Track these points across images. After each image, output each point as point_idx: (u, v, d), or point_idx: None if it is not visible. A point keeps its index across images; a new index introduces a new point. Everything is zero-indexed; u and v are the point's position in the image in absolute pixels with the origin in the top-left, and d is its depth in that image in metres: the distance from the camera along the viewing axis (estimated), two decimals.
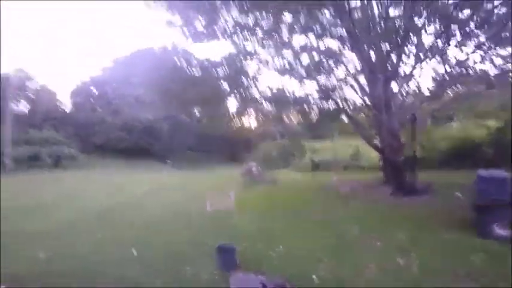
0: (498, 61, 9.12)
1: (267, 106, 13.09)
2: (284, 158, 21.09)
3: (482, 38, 8.78)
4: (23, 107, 31.44)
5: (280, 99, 11.84)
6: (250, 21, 9.59)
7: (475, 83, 9.89)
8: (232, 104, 13.63)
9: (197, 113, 27.03)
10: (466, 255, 4.24)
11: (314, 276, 3.76)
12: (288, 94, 11.77)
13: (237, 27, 9.80)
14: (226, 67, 10.63)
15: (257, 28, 9.97)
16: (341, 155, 17.34)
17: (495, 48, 8.82)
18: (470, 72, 9.37)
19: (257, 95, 12.16)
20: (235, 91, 11.79)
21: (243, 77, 11.32)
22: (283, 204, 9.15)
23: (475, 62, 9.27)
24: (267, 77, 12.22)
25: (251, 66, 11.26)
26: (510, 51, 8.77)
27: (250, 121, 14.96)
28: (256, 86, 11.93)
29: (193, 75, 10.75)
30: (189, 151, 32.33)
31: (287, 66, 11.14)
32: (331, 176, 13.33)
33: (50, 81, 49.58)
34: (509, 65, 9.09)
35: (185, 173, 21.85)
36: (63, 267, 4.52)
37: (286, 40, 10.59)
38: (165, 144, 31.06)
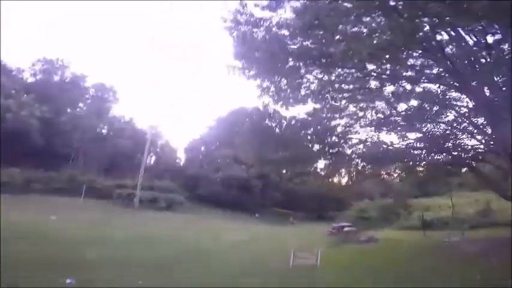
0: None
1: (362, 163, 12.16)
2: (385, 217, 18.41)
3: None
4: (151, 159, 40.01)
5: (376, 155, 10.79)
6: (334, 77, 9.51)
7: None
8: (322, 162, 13.43)
9: (287, 172, 28.19)
10: None
11: None
12: (386, 149, 10.75)
13: (322, 87, 9.74)
14: (313, 126, 10.69)
15: (343, 84, 9.71)
16: (464, 212, 14.21)
17: None
18: None
19: (349, 153, 11.60)
20: (324, 149, 11.61)
21: (332, 135, 11.15)
22: (381, 265, 7.88)
23: None
24: (360, 133, 11.30)
25: (341, 123, 10.95)
26: None
27: (341, 179, 14.27)
28: (346, 143, 11.42)
29: (283, 136, 11.04)
30: (277, 208, 33.17)
31: (382, 118, 10.37)
32: (449, 235, 10.86)
33: (172, 137, 61.45)
34: None
35: (271, 227, 21.91)
36: None
37: (376, 90, 9.95)
38: (256, 200, 33.46)
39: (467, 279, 5.72)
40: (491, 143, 9.28)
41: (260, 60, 8.28)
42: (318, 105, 10.42)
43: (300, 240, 13.85)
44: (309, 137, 11.02)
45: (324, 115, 10.69)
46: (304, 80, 9.50)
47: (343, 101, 10.17)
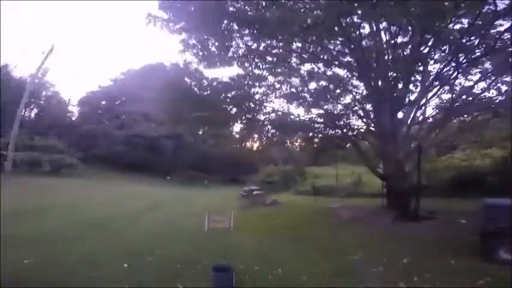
0: (504, 88, 9.11)
1: (272, 130, 13.09)
2: (285, 182, 20.96)
3: (488, 65, 8.88)
4: (33, 112, 32.30)
5: (285, 125, 11.77)
6: (262, 47, 9.75)
7: (481, 112, 9.75)
8: (237, 126, 13.86)
9: (202, 133, 27.44)
10: (474, 280, 4.13)
11: None
12: (293, 120, 11.80)
13: (249, 53, 9.91)
14: (235, 90, 10.81)
15: (268, 56, 10.11)
16: (343, 182, 17.14)
17: (501, 76, 8.85)
18: (476, 101, 9.37)
19: (263, 119, 12.28)
20: (241, 114, 11.93)
21: (251, 101, 11.50)
22: (284, 227, 8.87)
23: (482, 91, 9.33)
24: (274, 103, 12.31)
25: (259, 91, 11.49)
26: None
27: (253, 144, 15.06)
28: (262, 111, 12.07)
29: (203, 96, 10.91)
30: (191, 170, 32.54)
31: (294, 92, 11.30)
32: (333, 201, 13.06)
33: (62, 89, 51.20)
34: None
35: (185, 191, 21.79)
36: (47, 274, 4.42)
37: (296, 67, 10.82)
38: (167, 162, 31.43)
39: (341, 238, 7.13)
40: (372, 125, 11.34)
41: (191, 14, 7.57)
42: (241, 71, 10.57)
43: (215, 203, 14.31)
44: (228, 100, 11.15)
45: (246, 82, 10.84)
46: (234, 43, 9.32)
47: (265, 72, 10.60)
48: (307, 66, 10.96)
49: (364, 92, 10.85)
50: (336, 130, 12.36)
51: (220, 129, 14.05)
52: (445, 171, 13.70)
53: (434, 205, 9.76)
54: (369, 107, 11.16)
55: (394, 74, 8.35)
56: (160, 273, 4.69)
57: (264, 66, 10.50)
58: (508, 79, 9.00)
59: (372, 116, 11.16)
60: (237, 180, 29.22)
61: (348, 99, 11.81)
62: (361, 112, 11.52)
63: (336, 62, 10.11)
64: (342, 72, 10.79)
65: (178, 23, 8.04)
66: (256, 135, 14.27)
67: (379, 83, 9.38)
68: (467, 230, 6.66)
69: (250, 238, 7.37)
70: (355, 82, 11.03)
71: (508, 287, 3.96)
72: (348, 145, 14.66)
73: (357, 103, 11.52)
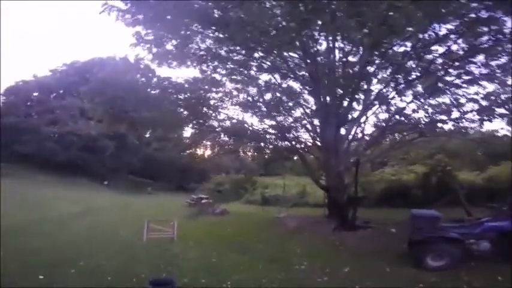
0: (430, 110, 10.38)
1: (225, 138, 12.96)
2: (236, 191, 20.89)
3: (419, 88, 10.00)
4: None
5: (239, 133, 11.82)
6: (223, 52, 9.46)
7: (409, 131, 11.03)
8: (188, 131, 13.32)
9: (148, 136, 25.44)
10: (405, 284, 4.49)
11: None
12: (247, 129, 11.91)
13: (208, 56, 9.55)
14: (188, 93, 10.37)
15: (228, 61, 9.87)
16: (290, 192, 17.83)
17: (429, 98, 10.04)
18: (406, 121, 10.52)
19: (216, 126, 12.04)
20: (193, 119, 11.51)
21: (205, 106, 11.17)
22: (232, 237, 8.76)
23: (413, 112, 10.41)
24: (229, 110, 12.22)
25: (215, 97, 11.25)
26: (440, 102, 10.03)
27: (204, 151, 14.62)
28: (216, 117, 11.84)
29: (150, 95, 10.21)
30: (133, 175, 29.85)
31: (251, 101, 11.32)
32: (280, 210, 13.41)
33: None
34: (437, 115, 10.33)
35: (124, 197, 19.95)
36: None
37: (255, 76, 10.84)
38: (106, 165, 28.18)
39: (288, 249, 7.27)
40: (318, 139, 11.94)
41: (151, 7, 7.16)
42: (198, 74, 10.29)
43: (157, 212, 13.35)
44: (180, 102, 10.65)
45: (202, 85, 10.56)
46: (194, 44, 9.00)
47: (224, 77, 10.48)
48: (265, 77, 11.15)
49: (314, 107, 11.45)
50: (286, 142, 12.69)
51: (168, 133, 13.36)
52: (377, 184, 15.24)
53: (368, 215, 10.72)
54: (316, 121, 11.74)
55: (341, 91, 8.99)
56: None
57: (223, 72, 10.30)
58: (433, 102, 10.29)
59: (318, 130, 11.73)
60: (184, 188, 27.84)
61: (298, 112, 12.31)
62: (309, 126, 12.07)
63: (292, 75, 10.40)
64: (296, 85, 11.22)
65: (135, 15, 7.49)
66: (208, 142, 13.97)
67: (328, 98, 9.98)
68: (397, 239, 7.45)
69: (195, 249, 7.03)
70: (306, 96, 11.60)
71: None
72: (295, 157, 15.27)
73: (306, 117, 12.03)
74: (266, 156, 15.80)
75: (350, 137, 11.29)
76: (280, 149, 13.49)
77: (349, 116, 10.57)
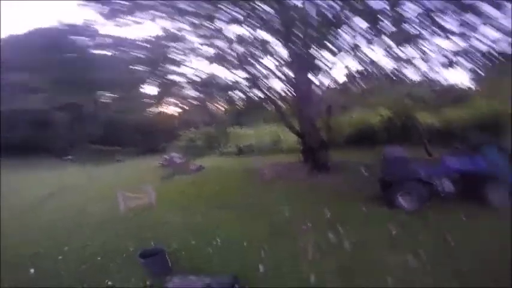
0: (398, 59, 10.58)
1: (192, 93, 12.51)
2: (209, 145, 20.61)
3: (388, 39, 10.14)
4: None
5: (208, 86, 11.42)
6: (186, 5, 8.55)
7: (377, 78, 11.60)
8: (150, 90, 12.32)
9: (105, 100, 23.03)
10: (382, 225, 4.87)
11: (261, 269, 3.67)
12: (217, 82, 11.46)
13: (167, 13, 8.64)
14: (146, 51, 9.32)
15: (192, 15, 8.98)
16: (264, 141, 18.02)
17: (397, 48, 10.10)
18: (375, 69, 10.95)
19: (181, 81, 11.39)
20: (154, 76, 10.65)
21: (166, 62, 10.25)
22: (212, 193, 8.75)
23: (382, 60, 10.58)
24: (196, 64, 11.28)
25: (177, 52, 10.33)
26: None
27: (172, 108, 13.72)
28: (181, 72, 11.07)
29: (104, 57, 9.04)
30: (97, 144, 27.71)
31: (220, 54, 10.65)
32: (256, 159, 13.65)
33: None
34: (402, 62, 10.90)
35: (92, 170, 18.81)
36: None
37: (223, 29, 10.00)
38: (63, 139, 25.32)
39: (268, 197, 7.56)
40: (291, 88, 12.05)
41: None
42: (159, 31, 9.20)
43: (131, 179, 12.88)
44: (140, 60, 9.72)
45: (162, 42, 9.50)
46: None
47: (188, 33, 9.57)
48: (236, 29, 10.28)
49: (286, 57, 11.20)
50: (259, 92, 12.47)
51: (127, 93, 12.27)
52: (347, 127, 15.97)
53: (340, 157, 11.40)
54: (289, 71, 11.61)
55: (313, 41, 8.87)
56: (80, 272, 3.95)
57: (185, 27, 9.35)
58: (400, 53, 10.62)
59: (291, 79, 11.75)
60: (155, 150, 26.56)
61: (271, 63, 11.97)
62: (282, 76, 12.02)
63: (263, 27, 9.83)
64: (268, 36, 10.65)
65: None
66: (174, 99, 13.25)
67: (299, 48, 9.81)
68: (368, 178, 8.04)
69: (177, 211, 6.98)
70: (278, 48, 11.14)
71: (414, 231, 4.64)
72: (268, 106, 15.23)
73: (279, 67, 11.90)
74: (239, 108, 15.44)
75: (321, 84, 11.50)
76: (253, 99, 13.43)
77: (321, 65, 10.56)
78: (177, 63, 10.57)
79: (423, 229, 4.65)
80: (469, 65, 9.56)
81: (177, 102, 13.53)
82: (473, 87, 15.01)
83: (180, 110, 14.24)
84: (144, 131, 28.09)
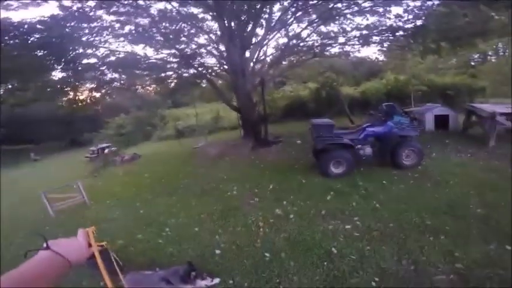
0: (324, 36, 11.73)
1: (112, 75, 11.26)
2: (143, 130, 19.09)
3: (314, 16, 10.79)
4: None
5: (130, 66, 10.49)
6: None
7: (304, 53, 12.38)
8: (58, 75, 10.48)
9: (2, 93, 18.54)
10: (323, 196, 5.30)
11: (217, 251, 3.78)
12: (140, 60, 10.57)
13: None
14: (49, 32, 7.75)
15: None
16: (204, 120, 17.66)
17: (322, 25, 11.15)
18: (302, 44, 11.61)
19: (96, 63, 10.06)
20: (59, 60, 9.08)
21: (74, 44, 8.77)
22: (153, 181, 8.31)
23: (308, 36, 11.65)
24: (111, 44, 9.99)
25: (86, 32, 8.89)
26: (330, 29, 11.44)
27: (92, 94, 11.95)
28: (94, 54, 9.79)
29: None
30: (5, 145, 22.56)
31: (140, 32, 9.63)
32: (197, 140, 13.37)
33: None
34: (327, 40, 11.75)
35: (5, 174, 15.58)
36: None
37: (144, 6, 8.97)
38: None
39: (215, 177, 7.53)
40: (224, 63, 11.87)
41: None
42: (58, 11, 7.74)
43: (54, 178, 11.18)
44: (37, 45, 8.18)
45: (66, 23, 8.09)
46: None
47: (99, 11, 8.30)
48: (160, 5, 9.37)
49: (218, 32, 11.06)
50: (191, 69, 12.13)
51: (27, 83, 10.31)
52: (280, 100, 16.79)
53: (276, 130, 12.03)
54: (221, 46, 11.51)
55: (245, 16, 8.81)
56: None
57: (91, 4, 8.04)
58: (324, 29, 11.47)
59: (224, 54, 11.55)
60: (78, 142, 23.11)
61: (202, 39, 11.62)
62: (214, 51, 11.86)
63: (191, 1, 9.22)
64: (197, 11, 10.01)
65: None
66: (91, 83, 11.65)
67: (232, 24, 9.77)
68: (304, 149, 8.75)
69: (116, 205, 6.51)
70: (209, 23, 10.99)
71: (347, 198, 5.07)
72: (203, 83, 14.84)
73: (210, 42, 11.62)
74: (170, 87, 14.56)
75: (254, 59, 11.80)
76: (185, 77, 12.82)
77: (253, 40, 10.95)
78: (88, 44, 9.19)
79: (354, 195, 5.20)
80: (378, 40, 10.85)
81: (95, 87, 11.93)
82: (382, 61, 17.55)
83: (99, 96, 12.53)
84: (61, 123, 24.26)
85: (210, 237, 4.28)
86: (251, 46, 11.05)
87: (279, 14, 10.61)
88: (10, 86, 11.18)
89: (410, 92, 12.89)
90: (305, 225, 4.30)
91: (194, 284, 3.13)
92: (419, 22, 9.31)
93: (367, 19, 10.55)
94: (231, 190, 6.32)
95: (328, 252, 3.52)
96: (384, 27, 10.20)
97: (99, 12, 8.50)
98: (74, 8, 7.88)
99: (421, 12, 9.23)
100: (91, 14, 8.29)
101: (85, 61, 9.89)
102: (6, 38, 7.37)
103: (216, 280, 3.20)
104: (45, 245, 0.77)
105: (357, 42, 11.42)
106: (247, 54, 11.29)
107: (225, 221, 4.80)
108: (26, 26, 7.41)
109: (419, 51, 10.71)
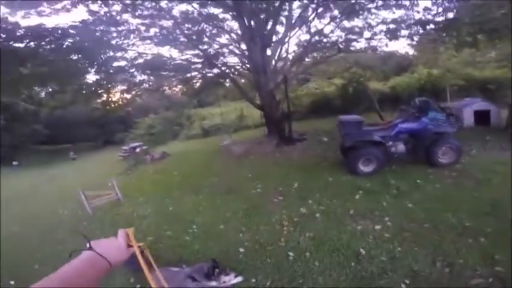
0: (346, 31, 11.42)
1: (141, 77, 11.81)
2: (171, 130, 19.81)
3: (336, 12, 10.56)
4: None
5: (158, 68, 10.94)
6: None
7: (328, 49, 12.10)
8: (94, 79, 11.22)
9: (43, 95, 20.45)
10: (351, 195, 5.10)
11: (241, 249, 3.80)
12: (167, 62, 11.01)
13: None
14: (81, 37, 8.30)
15: None
16: (229, 118, 17.86)
17: (345, 20, 10.86)
18: (325, 40, 11.34)
19: (126, 66, 10.63)
20: (92, 63, 9.68)
21: (105, 48, 9.29)
22: (181, 179, 8.53)
23: (331, 32, 11.45)
24: (139, 47, 10.56)
25: (114, 36, 9.42)
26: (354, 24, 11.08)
27: (121, 97, 12.64)
28: (124, 57, 10.44)
29: (26, 49, 7.82)
30: (45, 145, 24.73)
31: (165, 34, 10.00)
32: (223, 139, 13.58)
33: None
34: (351, 35, 11.35)
35: (45, 172, 17.00)
36: None
37: (166, 8, 9.31)
38: (1, 144, 22.12)
39: (240, 176, 7.60)
40: (246, 62, 11.96)
41: None
42: (88, 15, 8.31)
43: (92, 176, 11.99)
44: (72, 49, 8.72)
45: (97, 27, 8.62)
46: None
47: (125, 15, 8.77)
48: (182, 7, 9.72)
49: (239, 32, 11.18)
50: (214, 69, 12.32)
51: (65, 86, 11.14)
52: (304, 98, 16.51)
53: (301, 127, 11.84)
54: (243, 45, 11.65)
55: (264, 14, 8.90)
56: None
57: (118, 8, 8.49)
58: (347, 24, 11.19)
59: (246, 53, 11.66)
60: (112, 142, 24.55)
61: (223, 39, 11.82)
62: (236, 50, 12.09)
63: (212, 2, 9.45)
64: (218, 11, 10.20)
65: None
66: (122, 85, 12.35)
67: (252, 23, 9.91)
68: (330, 147, 8.51)
69: (147, 202, 6.77)
70: (230, 22, 11.12)
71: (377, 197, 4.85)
72: (227, 83, 15.09)
73: (232, 42, 11.79)
74: (196, 87, 14.99)
75: (276, 57, 11.82)
76: (209, 77, 13.10)
77: (274, 38, 11.04)
78: (117, 47, 9.70)
79: (385, 194, 4.94)
80: (407, 33, 10.34)
81: (126, 88, 12.62)
82: (412, 55, 16.63)
83: (130, 97, 13.24)
84: (96, 124, 26.02)
85: (234, 235, 4.31)
86: (272, 44, 11.09)
87: (299, 11, 10.54)
88: (50, 90, 12.14)
89: (445, 87, 12.02)
90: (332, 225, 4.16)
91: (218, 280, 3.16)
92: (450, 15, 8.78)
93: (394, 13, 10.19)
94: (255, 188, 6.30)
95: (356, 253, 3.37)
96: (412, 21, 9.74)
97: (125, 16, 8.98)
98: (102, 12, 8.34)
99: (451, 5, 8.75)
100: (118, 18, 8.77)
101: (116, 64, 10.53)
102: (43, 43, 7.95)
103: (239, 278, 3.21)
104: (88, 245, 0.81)
105: (384, 37, 10.99)
106: (269, 52, 11.33)
107: (249, 219, 4.81)
108: (59, 31, 7.93)
109: (453, 45, 10.12)
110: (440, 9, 9.05)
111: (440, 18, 9.10)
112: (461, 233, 3.52)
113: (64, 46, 8.25)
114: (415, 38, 11.11)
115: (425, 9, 9.28)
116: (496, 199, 4.24)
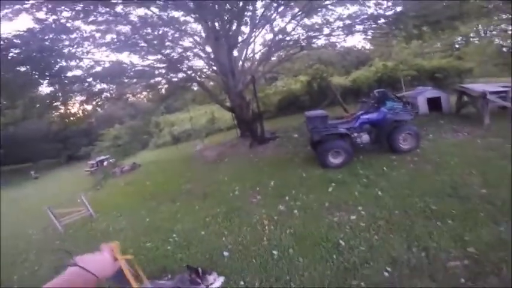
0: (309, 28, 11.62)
1: (100, 86, 11.14)
2: (139, 139, 18.94)
3: (296, 9, 10.85)
4: None
5: (117, 76, 10.41)
6: None
7: (291, 47, 12.39)
8: (47, 90, 10.41)
9: None
10: (325, 188, 5.28)
11: (225, 253, 3.80)
12: (127, 69, 10.54)
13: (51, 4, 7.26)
14: (23, 47, 7.66)
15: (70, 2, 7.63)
16: (199, 123, 17.55)
17: (305, 18, 11.12)
18: (288, 38, 11.62)
19: (80, 74, 9.96)
20: (43, 74, 8.99)
21: (56, 57, 8.66)
22: (154, 189, 8.32)
23: (293, 29, 11.63)
24: (94, 55, 9.93)
25: (66, 44, 8.77)
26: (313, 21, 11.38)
27: (81, 107, 11.85)
28: (79, 65, 9.69)
29: None
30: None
31: (123, 40, 9.53)
32: (195, 144, 13.34)
33: None
34: (312, 32, 11.74)
35: (6, 194, 15.45)
36: None
37: (123, 13, 8.82)
38: None
39: (214, 177, 7.57)
40: (213, 64, 11.85)
41: None
42: (34, 24, 7.65)
43: (57, 195, 11.15)
44: (20, 61, 8.02)
45: (45, 36, 7.99)
46: None
47: (76, 22, 8.18)
48: (140, 12, 9.27)
49: (203, 34, 11.10)
50: (180, 73, 12.13)
51: (14, 100, 10.24)
52: (273, 96, 16.80)
53: (272, 126, 12.03)
54: (208, 47, 11.54)
55: (228, 15, 8.82)
56: None
57: (67, 15, 7.90)
58: (308, 22, 11.53)
59: (211, 56, 11.52)
60: (76, 157, 22.99)
61: (187, 42, 11.57)
62: (201, 53, 11.88)
63: (172, 5, 9.11)
64: (178, 14, 9.91)
65: None
66: (80, 96, 11.56)
67: (216, 24, 9.82)
68: (300, 142, 8.76)
69: (121, 216, 6.53)
70: (193, 25, 10.98)
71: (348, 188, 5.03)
72: (194, 86, 14.85)
73: (197, 45, 11.59)
74: (161, 93, 14.54)
75: (243, 57, 11.87)
76: (175, 81, 12.76)
77: (239, 38, 10.94)
78: (70, 56, 9.08)
79: (356, 184, 5.18)
80: (362, 28, 10.92)
81: (85, 99, 11.84)
82: (368, 49, 17.82)
83: (91, 108, 12.46)
84: (56, 139, 24.11)
85: (216, 239, 4.29)
86: (238, 45, 11.04)
87: (262, 10, 10.62)
88: None
89: (400, 78, 13.00)
90: (310, 219, 4.29)
91: (206, 282, 3.14)
92: (399, 8, 9.40)
93: (348, 8, 10.66)
94: (233, 191, 6.31)
95: (336, 245, 3.51)
96: (365, 16, 10.28)
97: (77, 23, 8.36)
98: (50, 20, 7.75)
99: None
100: (68, 25, 8.13)
101: (70, 74, 9.79)
102: None
103: (221, 278, 3.20)
104: (72, 261, 0.80)
105: (341, 33, 11.52)
106: (235, 53, 11.31)
107: (229, 222, 4.81)
108: (3, 42, 7.31)
109: (403, 37, 10.83)
110: (390, 3, 9.60)
111: (390, 12, 9.66)
112: (429, 216, 3.73)
113: (9, 58, 7.56)
114: (369, 33, 11.79)
115: (377, 4, 9.78)
116: (456, 180, 4.56)
